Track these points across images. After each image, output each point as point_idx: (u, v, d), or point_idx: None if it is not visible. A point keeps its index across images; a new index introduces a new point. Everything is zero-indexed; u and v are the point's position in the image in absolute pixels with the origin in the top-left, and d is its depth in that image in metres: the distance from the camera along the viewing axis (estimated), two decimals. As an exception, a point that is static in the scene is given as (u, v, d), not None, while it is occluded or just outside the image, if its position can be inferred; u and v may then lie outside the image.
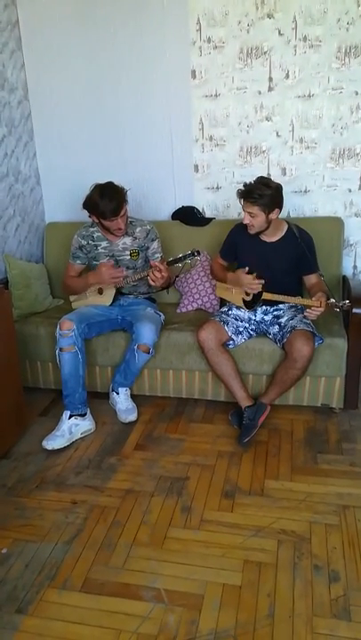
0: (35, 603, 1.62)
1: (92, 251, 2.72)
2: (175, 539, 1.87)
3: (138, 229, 2.71)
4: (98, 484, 2.19)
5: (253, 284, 2.48)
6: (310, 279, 2.59)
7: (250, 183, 2.40)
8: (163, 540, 1.87)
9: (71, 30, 3.06)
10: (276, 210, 2.43)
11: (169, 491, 2.13)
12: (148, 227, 2.74)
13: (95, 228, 2.71)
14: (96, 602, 1.62)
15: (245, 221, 2.45)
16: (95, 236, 2.71)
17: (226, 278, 2.66)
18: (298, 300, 2.47)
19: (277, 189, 2.41)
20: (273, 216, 2.43)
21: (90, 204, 2.50)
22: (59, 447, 2.42)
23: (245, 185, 2.41)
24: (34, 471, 2.29)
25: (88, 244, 2.72)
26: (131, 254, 2.70)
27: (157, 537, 1.88)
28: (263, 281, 2.47)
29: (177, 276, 2.85)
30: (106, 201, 2.44)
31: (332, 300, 2.31)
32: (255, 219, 2.42)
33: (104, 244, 2.70)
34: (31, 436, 2.56)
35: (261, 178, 2.44)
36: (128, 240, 2.70)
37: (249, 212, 2.41)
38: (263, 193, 2.35)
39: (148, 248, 2.75)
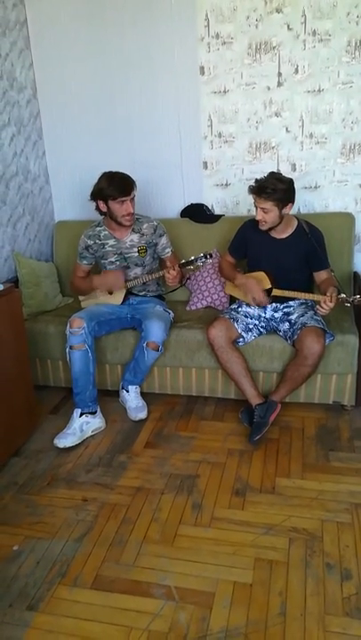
0: (46, 600, 1.63)
1: (100, 250, 2.72)
2: (186, 536, 1.87)
3: (145, 225, 2.71)
4: (108, 481, 2.20)
5: (260, 298, 2.49)
6: (321, 275, 2.56)
7: (262, 179, 2.38)
8: (173, 538, 1.86)
9: (79, 28, 3.06)
10: (290, 205, 2.42)
11: (179, 488, 2.13)
12: (155, 222, 2.74)
13: (102, 227, 2.71)
14: (107, 599, 1.62)
15: (258, 217, 2.43)
16: (102, 235, 2.70)
17: (234, 277, 2.65)
18: (309, 296, 2.45)
19: (290, 184, 2.39)
20: (286, 211, 2.42)
21: (98, 189, 2.53)
22: (70, 445, 2.42)
23: (257, 180, 2.39)
24: (45, 469, 2.30)
25: (95, 243, 2.72)
26: (139, 251, 2.70)
27: (168, 534, 1.88)
28: (270, 303, 2.49)
29: (188, 278, 2.84)
30: (115, 182, 2.49)
31: (343, 295, 2.30)
32: (268, 214, 2.40)
33: (111, 242, 2.70)
34: (42, 433, 2.57)
35: (273, 173, 2.42)
36: (135, 237, 2.70)
37: (262, 208, 2.39)
38: (277, 187, 2.33)
39: (156, 244, 2.75)
